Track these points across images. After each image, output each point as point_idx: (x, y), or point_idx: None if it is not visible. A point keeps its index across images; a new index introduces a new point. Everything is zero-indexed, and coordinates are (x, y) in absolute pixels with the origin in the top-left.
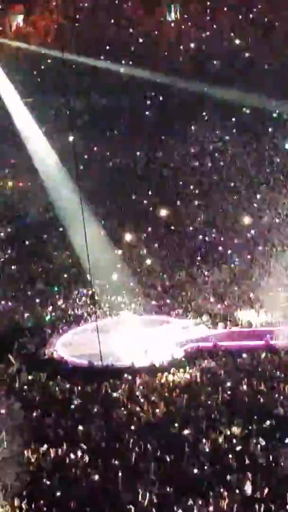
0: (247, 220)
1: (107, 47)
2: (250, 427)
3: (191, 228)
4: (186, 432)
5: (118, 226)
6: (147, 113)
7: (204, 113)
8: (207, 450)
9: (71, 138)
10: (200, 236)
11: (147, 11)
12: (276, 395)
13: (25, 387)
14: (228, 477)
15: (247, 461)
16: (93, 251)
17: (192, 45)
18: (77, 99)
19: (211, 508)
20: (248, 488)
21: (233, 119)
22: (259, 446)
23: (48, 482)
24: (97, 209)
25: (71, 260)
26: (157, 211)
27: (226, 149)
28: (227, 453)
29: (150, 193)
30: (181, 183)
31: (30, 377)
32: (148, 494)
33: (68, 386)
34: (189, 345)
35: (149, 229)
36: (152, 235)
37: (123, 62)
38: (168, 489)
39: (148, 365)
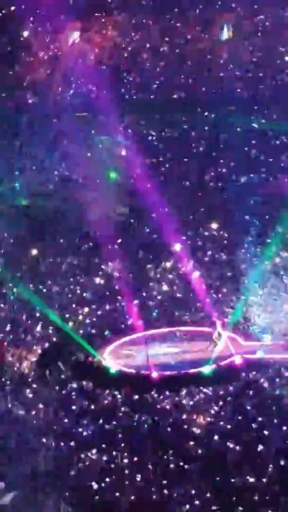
0: None
1: (161, 63)
2: None
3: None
4: (230, 444)
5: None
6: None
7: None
8: (251, 463)
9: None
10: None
11: (201, 30)
12: None
13: (73, 394)
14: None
15: None
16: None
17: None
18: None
19: None
20: None
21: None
22: None
23: (95, 487)
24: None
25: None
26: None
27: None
28: (272, 467)
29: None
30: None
31: (78, 385)
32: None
33: (115, 394)
34: (232, 356)
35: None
36: None
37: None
38: (210, 499)
39: (194, 375)
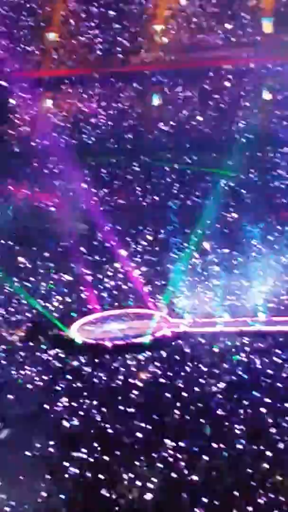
0: None
1: (109, 122)
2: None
3: None
4: (162, 392)
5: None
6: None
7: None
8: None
9: None
10: None
11: (138, 98)
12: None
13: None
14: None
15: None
16: None
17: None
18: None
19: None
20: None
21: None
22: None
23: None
24: None
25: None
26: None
27: None
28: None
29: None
30: None
31: (53, 352)
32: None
33: (80, 358)
34: (163, 330)
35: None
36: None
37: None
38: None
39: (136, 344)
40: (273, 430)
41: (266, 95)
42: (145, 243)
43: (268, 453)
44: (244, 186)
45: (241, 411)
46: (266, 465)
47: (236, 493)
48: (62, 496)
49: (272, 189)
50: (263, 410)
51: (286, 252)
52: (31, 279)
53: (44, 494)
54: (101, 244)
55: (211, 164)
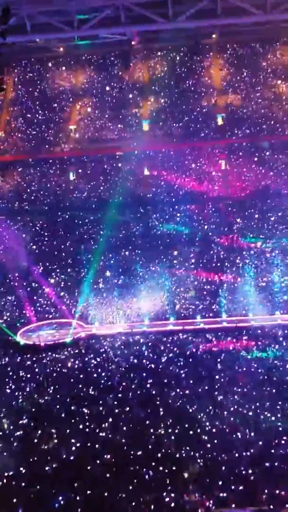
0: None
1: (34, 193)
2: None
3: None
4: (78, 373)
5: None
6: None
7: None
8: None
9: None
10: None
11: (58, 179)
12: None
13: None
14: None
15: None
16: None
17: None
18: None
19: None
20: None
21: None
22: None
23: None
24: None
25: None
26: None
27: None
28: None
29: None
30: None
31: (4, 351)
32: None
33: (23, 355)
34: (80, 333)
35: None
36: None
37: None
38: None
39: (61, 343)
40: (157, 398)
41: (146, 172)
42: (66, 274)
43: (154, 415)
44: (132, 233)
45: (134, 385)
46: (149, 422)
47: (131, 440)
48: (12, 450)
49: (152, 236)
50: (148, 385)
51: (162, 278)
52: None
53: None
54: (36, 276)
55: (108, 218)
